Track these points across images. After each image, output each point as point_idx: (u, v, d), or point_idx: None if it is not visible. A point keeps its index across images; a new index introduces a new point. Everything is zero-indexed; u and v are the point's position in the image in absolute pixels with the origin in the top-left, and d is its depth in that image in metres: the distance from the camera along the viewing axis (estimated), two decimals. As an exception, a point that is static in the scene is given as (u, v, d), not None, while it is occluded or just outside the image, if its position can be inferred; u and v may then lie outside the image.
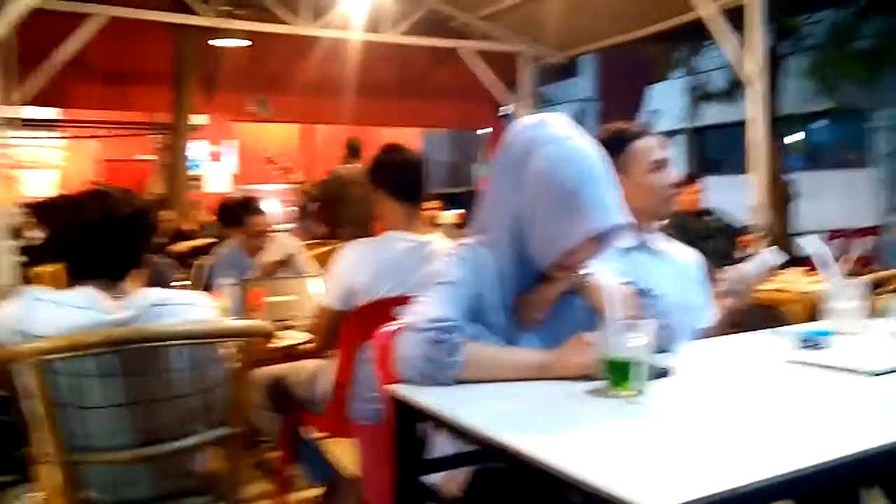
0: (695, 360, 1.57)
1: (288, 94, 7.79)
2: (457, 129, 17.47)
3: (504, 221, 1.52)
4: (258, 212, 3.95)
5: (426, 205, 2.65)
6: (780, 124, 9.94)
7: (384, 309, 2.12)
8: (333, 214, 6.34)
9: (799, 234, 9.06)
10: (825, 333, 1.65)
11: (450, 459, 1.50)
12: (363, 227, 5.94)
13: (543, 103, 9.88)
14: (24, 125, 7.83)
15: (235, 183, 11.19)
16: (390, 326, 1.65)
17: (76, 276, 1.81)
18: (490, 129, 11.48)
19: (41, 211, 5.36)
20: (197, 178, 10.39)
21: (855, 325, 1.77)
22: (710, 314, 2.01)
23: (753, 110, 4.82)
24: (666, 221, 2.17)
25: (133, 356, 1.73)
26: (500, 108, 8.10)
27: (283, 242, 4.06)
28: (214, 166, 11.34)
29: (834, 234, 8.07)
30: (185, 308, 1.85)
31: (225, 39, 6.74)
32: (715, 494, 0.90)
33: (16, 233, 4.00)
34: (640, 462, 1.02)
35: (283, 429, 2.70)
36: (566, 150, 1.47)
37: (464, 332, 1.42)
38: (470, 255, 1.54)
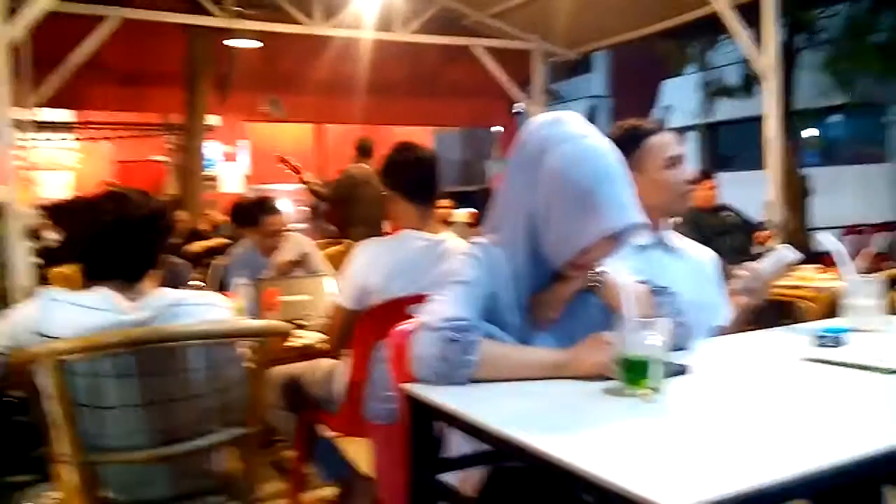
0: (711, 358, 1.56)
1: (300, 94, 7.80)
2: (469, 127, 17.44)
3: (518, 220, 1.51)
4: (273, 211, 3.96)
5: (438, 203, 2.64)
6: (795, 119, 9.88)
7: (398, 308, 2.12)
8: (344, 214, 6.36)
9: (815, 230, 9.00)
10: (842, 330, 1.64)
11: (465, 459, 1.50)
12: (374, 227, 5.98)
13: (556, 100, 9.86)
14: (39, 127, 7.90)
15: (248, 183, 11.24)
16: (405, 326, 1.65)
17: (92, 278, 1.82)
18: (502, 127, 11.46)
19: (57, 212, 5.40)
20: (211, 179, 10.43)
21: (872, 323, 1.75)
22: (726, 312, 2.00)
23: (768, 105, 4.79)
24: (680, 218, 2.16)
25: (150, 356, 1.74)
26: (513, 106, 8.09)
27: (298, 242, 4.07)
28: (229, 166, 11.39)
29: (850, 230, 8.01)
30: (202, 308, 1.86)
31: (238, 40, 6.76)
32: (732, 494, 0.89)
33: (32, 234, 4.03)
34: (657, 461, 1.02)
35: (298, 428, 2.72)
36: (582, 149, 1.47)
37: (478, 331, 1.42)
38: (484, 254, 1.53)
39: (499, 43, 6.57)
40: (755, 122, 5.32)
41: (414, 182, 2.50)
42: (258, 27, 6.02)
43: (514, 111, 8.59)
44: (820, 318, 2.36)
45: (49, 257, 3.90)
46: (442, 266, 1.64)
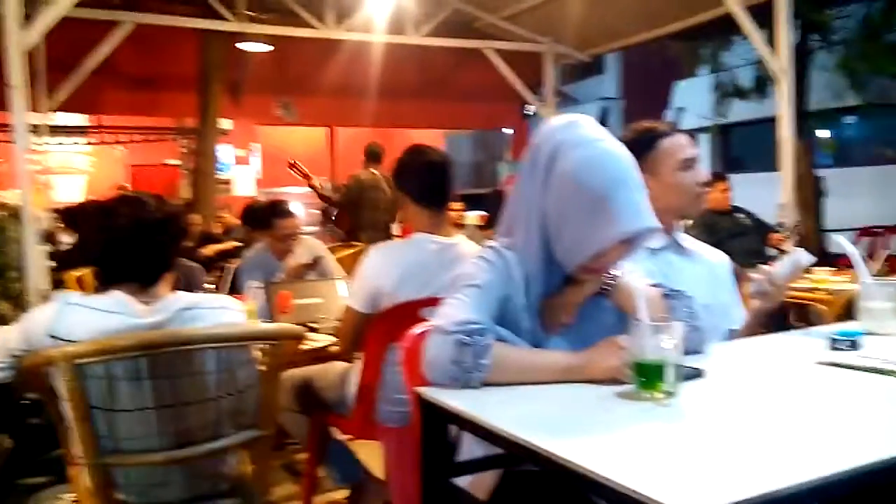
0: (725, 362, 1.55)
1: (312, 98, 7.84)
2: (481, 129, 17.43)
3: (531, 224, 1.51)
4: (285, 215, 3.98)
5: (450, 206, 2.64)
6: (808, 120, 9.82)
7: (410, 311, 2.12)
8: (353, 219, 6.40)
9: (829, 232, 8.94)
10: (858, 334, 1.63)
11: (478, 462, 1.50)
12: (382, 232, 6.01)
13: (567, 102, 9.84)
14: (53, 131, 7.96)
15: (260, 186, 11.28)
16: (418, 329, 1.65)
17: (107, 281, 1.84)
18: (514, 130, 11.46)
19: (71, 216, 5.45)
20: (224, 182, 10.48)
21: (888, 326, 1.73)
22: (740, 315, 1.99)
23: (781, 107, 4.76)
24: (692, 221, 2.15)
25: (164, 359, 1.75)
26: (524, 108, 8.08)
27: (310, 245, 4.08)
28: (241, 170, 11.44)
29: (864, 232, 7.93)
30: (216, 312, 1.87)
31: (250, 44, 6.80)
32: (746, 499, 0.88)
33: (47, 238, 4.06)
34: (671, 465, 1.01)
35: (311, 431, 2.72)
36: (595, 153, 1.46)
37: (491, 334, 1.42)
38: (497, 257, 1.53)
39: (510, 45, 6.57)
40: (769, 123, 5.29)
41: (426, 186, 2.49)
42: (270, 31, 6.05)
43: (525, 113, 8.59)
44: (835, 322, 2.34)
45: (63, 261, 3.93)
46: (454, 269, 1.64)
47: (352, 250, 5.10)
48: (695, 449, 1.08)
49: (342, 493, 2.87)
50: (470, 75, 7.26)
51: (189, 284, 4.04)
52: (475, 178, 19.48)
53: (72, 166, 12.16)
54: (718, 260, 2.07)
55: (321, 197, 6.76)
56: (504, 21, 6.39)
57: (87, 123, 11.83)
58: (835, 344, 1.59)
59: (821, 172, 10.19)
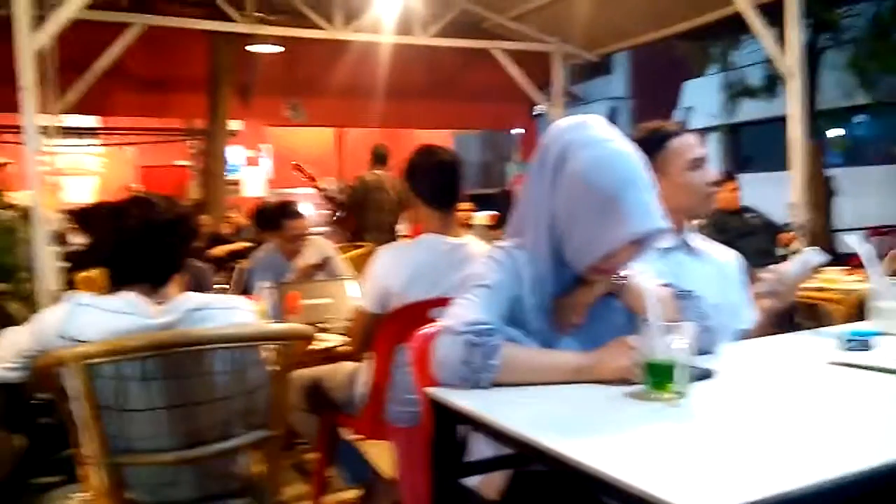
0: (736, 362, 1.55)
1: (321, 98, 7.84)
2: (489, 129, 17.42)
3: (541, 224, 1.51)
4: (295, 215, 3.99)
5: (459, 206, 2.63)
6: (819, 119, 9.77)
7: (420, 311, 2.13)
8: (357, 220, 6.42)
9: (840, 232, 8.89)
10: (870, 334, 1.62)
11: (488, 462, 1.50)
12: (387, 233, 6.02)
13: (576, 102, 9.82)
14: (64, 133, 7.99)
15: (270, 187, 11.32)
16: (427, 329, 1.65)
17: (118, 282, 1.85)
18: (522, 130, 11.44)
19: (83, 217, 5.47)
20: (234, 183, 10.52)
21: (901, 326, 1.72)
22: (751, 314, 1.98)
23: (792, 106, 4.74)
24: (704, 220, 2.14)
25: (175, 360, 1.76)
26: (533, 108, 8.07)
27: (320, 246, 4.09)
28: (251, 171, 11.48)
29: (876, 232, 7.90)
30: (226, 312, 1.87)
31: (259, 45, 6.82)
32: (757, 500, 0.88)
33: (58, 239, 4.08)
34: (681, 465, 1.01)
35: (321, 431, 2.73)
36: (605, 154, 1.46)
37: (501, 335, 1.42)
38: (507, 257, 1.53)
39: (518, 45, 6.56)
40: (778, 122, 5.27)
41: (437, 186, 2.49)
42: (280, 32, 6.06)
43: (534, 113, 8.58)
44: (846, 321, 2.33)
45: (75, 261, 3.95)
46: (464, 270, 1.64)
47: (360, 250, 5.11)
48: (705, 449, 1.08)
49: (352, 493, 2.87)
50: (478, 75, 7.25)
51: (199, 285, 4.05)
52: (483, 179, 19.47)
53: (82, 167, 12.22)
54: (729, 259, 2.06)
55: (326, 198, 6.78)
56: (512, 21, 6.38)
57: (97, 125, 11.89)
58: (847, 344, 1.58)
59: (832, 171, 10.15)
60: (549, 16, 6.12)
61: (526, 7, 6.08)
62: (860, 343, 1.58)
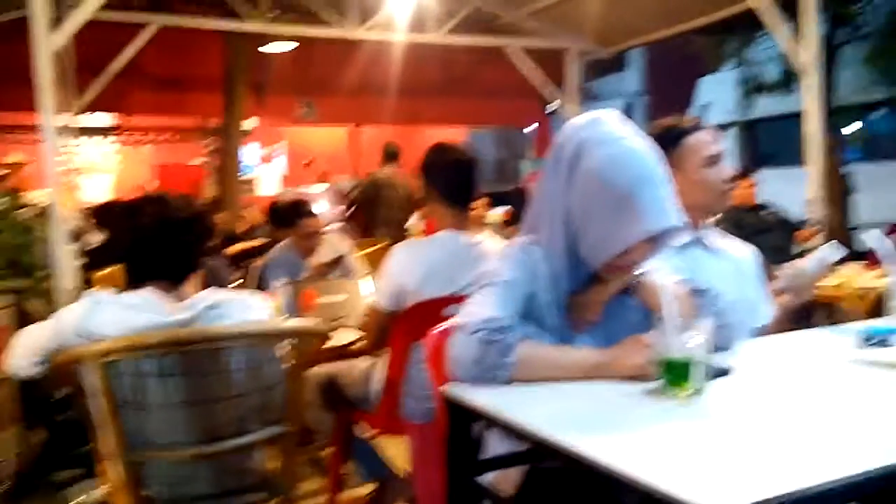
0: (753, 359, 1.54)
1: (335, 97, 7.87)
2: (504, 126, 17.38)
3: (556, 221, 1.50)
4: (309, 213, 4.00)
5: (473, 203, 2.63)
6: (836, 115, 9.68)
7: (435, 308, 2.13)
8: (368, 217, 6.44)
9: (857, 228, 8.81)
10: (889, 331, 1.60)
11: (503, 459, 1.50)
12: (397, 230, 6.02)
13: (590, 99, 9.79)
14: (81, 131, 8.07)
15: (285, 185, 11.36)
16: (443, 326, 1.65)
17: (136, 279, 1.86)
18: (537, 126, 11.42)
19: (100, 215, 5.51)
20: (249, 182, 10.57)
21: (921, 323, 1.70)
22: (768, 311, 1.97)
23: (808, 101, 4.70)
24: (720, 217, 2.13)
25: (192, 356, 1.78)
26: (547, 105, 8.05)
27: (335, 243, 4.10)
28: (266, 169, 11.52)
29: (894, 228, 7.81)
30: (242, 309, 1.88)
31: (273, 44, 6.85)
32: (776, 497, 0.88)
33: (76, 236, 4.12)
34: (699, 463, 1.01)
35: (336, 427, 2.74)
36: (620, 151, 1.45)
37: (516, 332, 1.42)
38: (523, 254, 1.53)
39: (533, 42, 6.55)
40: (795, 118, 5.22)
41: (454, 184, 2.48)
42: (293, 31, 6.08)
43: (548, 110, 8.56)
44: (865, 318, 2.31)
45: (92, 259, 3.99)
46: (479, 267, 1.64)
47: (376, 247, 5.12)
48: (722, 447, 1.07)
49: (367, 489, 2.89)
50: (492, 72, 7.25)
51: (216, 283, 4.08)
52: (498, 176, 19.43)
53: (99, 166, 12.31)
54: (746, 255, 2.05)
55: (339, 195, 6.80)
56: (526, 18, 6.36)
57: (113, 123, 11.98)
58: (866, 341, 1.57)
59: (849, 167, 10.05)
60: (563, 12, 6.10)
61: (540, 4, 6.06)
62: (879, 340, 1.56)
